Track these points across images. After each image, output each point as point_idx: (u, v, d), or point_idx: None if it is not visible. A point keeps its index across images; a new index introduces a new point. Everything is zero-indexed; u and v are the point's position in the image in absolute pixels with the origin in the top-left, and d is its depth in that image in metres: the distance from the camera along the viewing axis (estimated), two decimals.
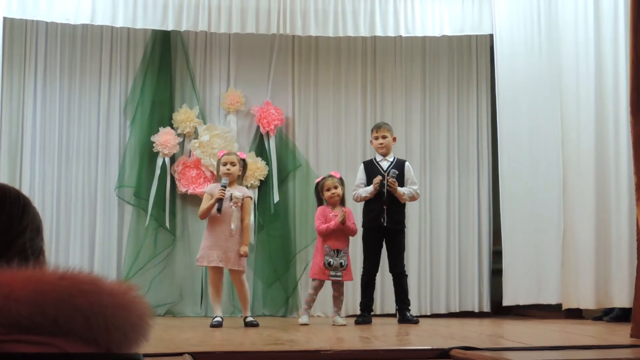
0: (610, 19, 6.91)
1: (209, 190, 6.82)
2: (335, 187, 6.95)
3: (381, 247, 7.14)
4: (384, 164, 7.17)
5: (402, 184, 7.09)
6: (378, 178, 6.99)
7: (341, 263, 6.82)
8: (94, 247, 8.14)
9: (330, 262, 6.79)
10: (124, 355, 1.37)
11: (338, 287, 6.92)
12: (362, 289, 7.18)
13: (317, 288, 6.93)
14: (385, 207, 6.99)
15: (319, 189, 7.06)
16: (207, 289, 8.02)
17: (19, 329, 1.32)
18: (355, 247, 7.85)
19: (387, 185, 6.97)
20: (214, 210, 6.60)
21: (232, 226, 6.61)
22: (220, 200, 6.58)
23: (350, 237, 7.03)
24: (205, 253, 6.67)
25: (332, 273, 6.79)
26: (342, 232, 6.91)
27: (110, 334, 1.35)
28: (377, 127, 7.33)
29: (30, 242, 1.55)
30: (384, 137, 7.18)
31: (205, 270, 8.05)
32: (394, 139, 7.31)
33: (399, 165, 7.18)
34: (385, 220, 7.00)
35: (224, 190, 6.60)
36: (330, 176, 7.07)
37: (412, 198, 7.17)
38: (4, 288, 1.32)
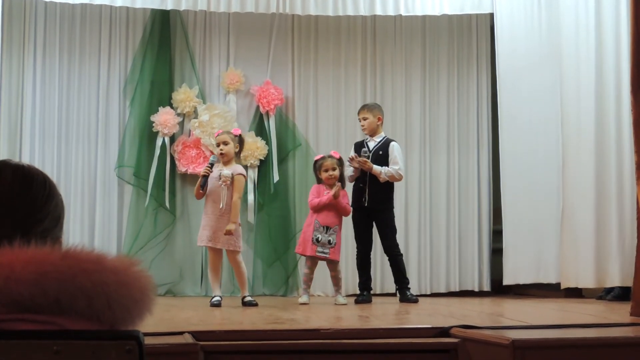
0: None
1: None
2: (334, 169, 6.90)
3: (370, 227, 7.14)
4: (371, 144, 7.17)
5: (385, 164, 7.06)
6: (352, 155, 7.01)
7: (329, 240, 6.80)
8: (94, 227, 8.14)
9: (318, 237, 6.77)
10: (123, 332, 1.37)
11: (333, 266, 6.91)
12: (358, 268, 7.21)
13: (312, 267, 6.91)
14: (365, 186, 7.01)
15: (317, 168, 7.03)
16: (207, 268, 8.07)
17: (19, 308, 1.32)
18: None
19: (357, 163, 6.97)
20: (211, 188, 6.63)
21: (221, 205, 6.60)
22: (205, 177, 6.60)
23: (346, 219, 7.00)
24: (200, 233, 6.74)
25: (320, 249, 6.77)
26: (334, 209, 6.88)
27: (113, 311, 1.36)
28: (359, 109, 7.39)
29: (47, 232, 1.53)
30: (364, 119, 7.20)
31: (205, 250, 8.08)
32: (379, 119, 7.25)
33: (385, 144, 7.16)
34: (366, 200, 7.02)
35: (210, 168, 6.63)
36: (330, 156, 7.02)
37: (392, 178, 7.10)
38: (5, 269, 1.31)
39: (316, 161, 7.10)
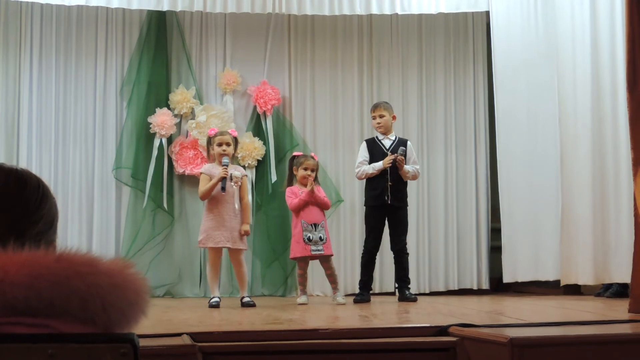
0: None
1: (206, 170, 6.82)
2: (313, 171, 6.94)
3: (383, 225, 7.14)
4: (387, 143, 7.18)
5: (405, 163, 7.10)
6: (394, 155, 6.99)
7: (320, 237, 6.80)
8: (92, 229, 8.13)
9: (309, 236, 6.77)
10: (118, 335, 1.37)
11: (328, 265, 6.90)
12: (362, 267, 7.18)
13: (304, 267, 6.91)
14: (389, 184, 7.01)
15: (295, 163, 7.03)
16: (206, 269, 8.05)
17: (14, 311, 1.31)
18: (356, 225, 7.86)
19: (396, 162, 6.98)
20: (218, 188, 6.62)
21: (236, 205, 6.67)
22: (224, 179, 6.60)
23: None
24: (211, 234, 6.67)
25: (313, 247, 6.76)
26: (316, 205, 6.89)
27: (107, 313, 1.35)
28: (374, 107, 7.37)
29: (41, 235, 1.53)
30: (381, 117, 7.19)
31: (204, 251, 8.06)
32: (394, 118, 7.29)
33: (402, 144, 7.18)
34: (389, 198, 7.02)
35: (227, 168, 6.64)
36: (312, 157, 7.05)
37: (414, 176, 7.19)
38: None
39: (296, 157, 7.10)
